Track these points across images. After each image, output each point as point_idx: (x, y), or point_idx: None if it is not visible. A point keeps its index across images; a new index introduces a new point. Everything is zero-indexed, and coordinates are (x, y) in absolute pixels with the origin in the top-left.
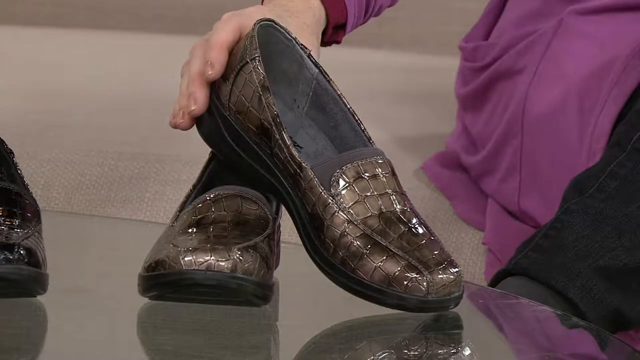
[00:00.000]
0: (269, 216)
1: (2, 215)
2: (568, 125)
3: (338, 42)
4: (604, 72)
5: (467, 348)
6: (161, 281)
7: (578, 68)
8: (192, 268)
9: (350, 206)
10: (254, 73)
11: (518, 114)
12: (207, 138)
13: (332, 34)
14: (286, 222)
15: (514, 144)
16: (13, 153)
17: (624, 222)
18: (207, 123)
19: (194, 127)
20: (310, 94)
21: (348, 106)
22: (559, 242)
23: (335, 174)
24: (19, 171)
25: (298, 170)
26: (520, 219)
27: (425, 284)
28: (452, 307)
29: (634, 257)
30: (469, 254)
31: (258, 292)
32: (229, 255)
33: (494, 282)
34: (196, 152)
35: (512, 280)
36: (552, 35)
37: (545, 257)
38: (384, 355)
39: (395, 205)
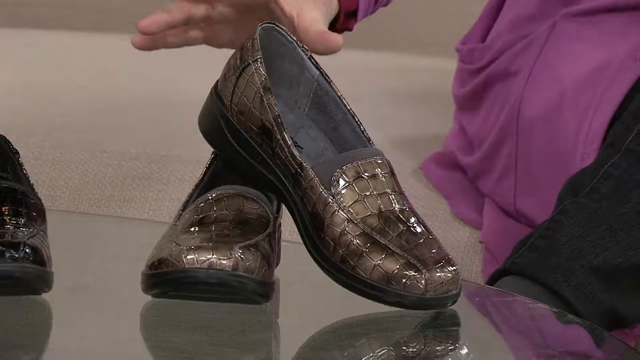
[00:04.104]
0: (270, 215)
1: (8, 215)
2: (562, 127)
3: (350, 30)
4: (597, 74)
5: (464, 347)
6: (164, 279)
7: (572, 70)
8: (195, 266)
9: (350, 205)
10: (255, 74)
11: (513, 116)
12: (210, 138)
13: (344, 21)
14: (287, 221)
15: (509, 145)
16: (19, 153)
17: (618, 222)
18: (209, 123)
19: (197, 128)
20: (311, 95)
21: (348, 107)
22: (555, 242)
23: (336, 173)
24: (24, 171)
25: (299, 170)
26: (516, 219)
27: (423, 281)
28: (449, 304)
29: (628, 257)
30: (467, 253)
31: (259, 290)
32: (231, 254)
33: (491, 282)
34: (199, 152)
35: (508, 279)
36: (546, 38)
37: (541, 257)
38: (383, 352)
39: (394, 205)
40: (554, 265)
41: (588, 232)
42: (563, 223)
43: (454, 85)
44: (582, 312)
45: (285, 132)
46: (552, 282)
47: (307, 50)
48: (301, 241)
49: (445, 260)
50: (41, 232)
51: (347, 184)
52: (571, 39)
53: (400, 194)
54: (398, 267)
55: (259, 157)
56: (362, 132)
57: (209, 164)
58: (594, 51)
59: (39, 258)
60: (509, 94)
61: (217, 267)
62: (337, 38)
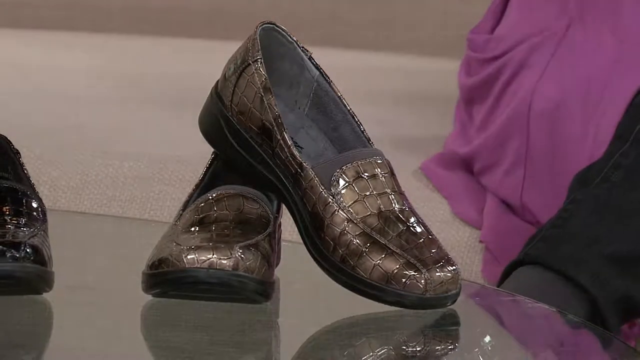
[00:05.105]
0: (270, 215)
1: (9, 214)
2: (572, 124)
3: None
4: (606, 73)
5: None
6: (164, 279)
7: (584, 69)
8: (195, 266)
9: (350, 205)
10: (256, 75)
11: (524, 109)
12: (210, 138)
13: None
14: (287, 220)
15: (520, 138)
16: (20, 154)
17: (629, 209)
18: (209, 123)
19: (197, 128)
20: (311, 95)
21: (348, 107)
22: (567, 230)
23: (336, 173)
24: (25, 171)
25: (299, 170)
26: (520, 214)
27: (423, 281)
28: (449, 304)
29: (639, 244)
30: (466, 252)
31: (259, 290)
32: (231, 254)
33: (505, 274)
34: (199, 152)
35: (523, 270)
36: (563, 34)
37: (555, 246)
38: (383, 351)
39: (394, 205)
40: (568, 253)
41: (600, 220)
42: (575, 212)
43: (460, 75)
44: (598, 299)
45: (286, 132)
46: (566, 269)
47: (307, 51)
48: (301, 241)
49: (445, 260)
50: (42, 232)
51: (347, 184)
52: (587, 37)
53: (400, 194)
54: (398, 266)
55: (259, 157)
56: (362, 132)
57: (209, 164)
58: (605, 52)
59: (39, 258)
60: (520, 87)
61: (218, 267)
62: None
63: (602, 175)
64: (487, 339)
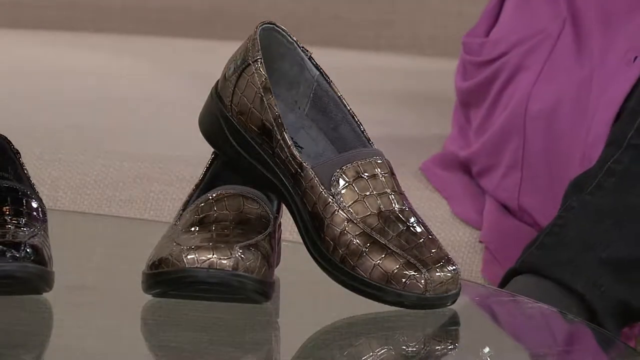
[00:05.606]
0: (270, 215)
1: (9, 214)
2: (566, 126)
3: None
4: (594, 75)
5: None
6: (164, 279)
7: (575, 71)
8: (195, 266)
9: (350, 205)
10: (256, 75)
11: (521, 111)
12: (210, 138)
13: None
14: (287, 220)
15: (516, 141)
16: (20, 153)
17: (624, 215)
18: (209, 123)
19: (197, 128)
20: (311, 95)
21: (348, 107)
22: (562, 238)
23: (336, 173)
24: (25, 171)
25: (299, 170)
26: (518, 216)
27: (423, 281)
28: (449, 304)
29: (634, 249)
30: (466, 252)
31: (259, 290)
32: (231, 254)
33: (503, 283)
34: (199, 152)
35: (520, 278)
36: (558, 36)
37: (550, 254)
38: (382, 351)
39: (394, 205)
40: (564, 260)
41: (594, 227)
42: (570, 219)
43: (456, 79)
44: (595, 306)
45: (286, 132)
46: (563, 276)
47: (307, 51)
48: (301, 241)
49: (445, 260)
50: (42, 232)
51: (347, 184)
52: (580, 38)
53: (400, 194)
54: (398, 266)
55: (259, 157)
56: (362, 132)
57: (209, 164)
58: (597, 53)
59: (39, 258)
60: (516, 89)
61: (218, 267)
62: None
63: (596, 182)
64: (487, 349)
